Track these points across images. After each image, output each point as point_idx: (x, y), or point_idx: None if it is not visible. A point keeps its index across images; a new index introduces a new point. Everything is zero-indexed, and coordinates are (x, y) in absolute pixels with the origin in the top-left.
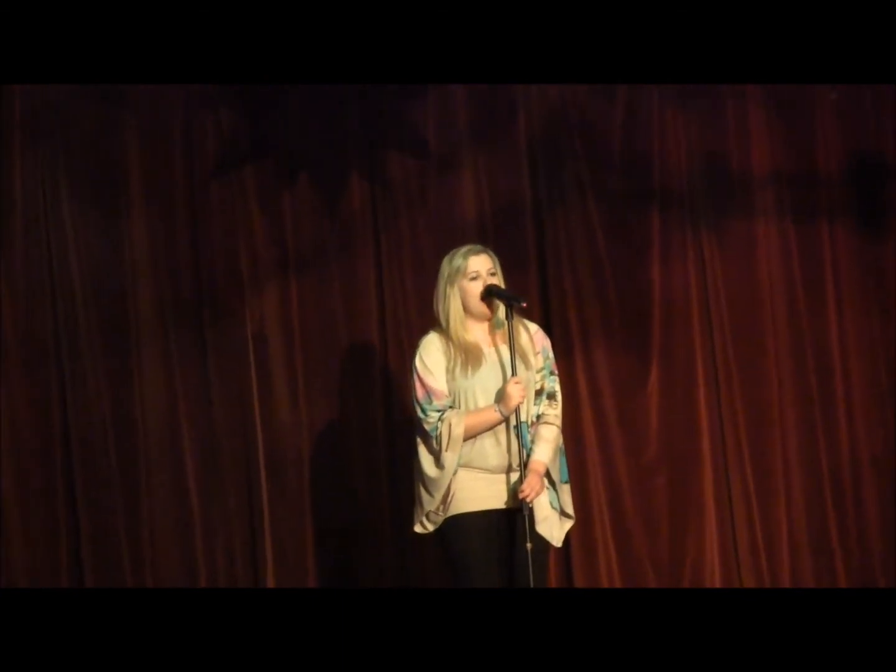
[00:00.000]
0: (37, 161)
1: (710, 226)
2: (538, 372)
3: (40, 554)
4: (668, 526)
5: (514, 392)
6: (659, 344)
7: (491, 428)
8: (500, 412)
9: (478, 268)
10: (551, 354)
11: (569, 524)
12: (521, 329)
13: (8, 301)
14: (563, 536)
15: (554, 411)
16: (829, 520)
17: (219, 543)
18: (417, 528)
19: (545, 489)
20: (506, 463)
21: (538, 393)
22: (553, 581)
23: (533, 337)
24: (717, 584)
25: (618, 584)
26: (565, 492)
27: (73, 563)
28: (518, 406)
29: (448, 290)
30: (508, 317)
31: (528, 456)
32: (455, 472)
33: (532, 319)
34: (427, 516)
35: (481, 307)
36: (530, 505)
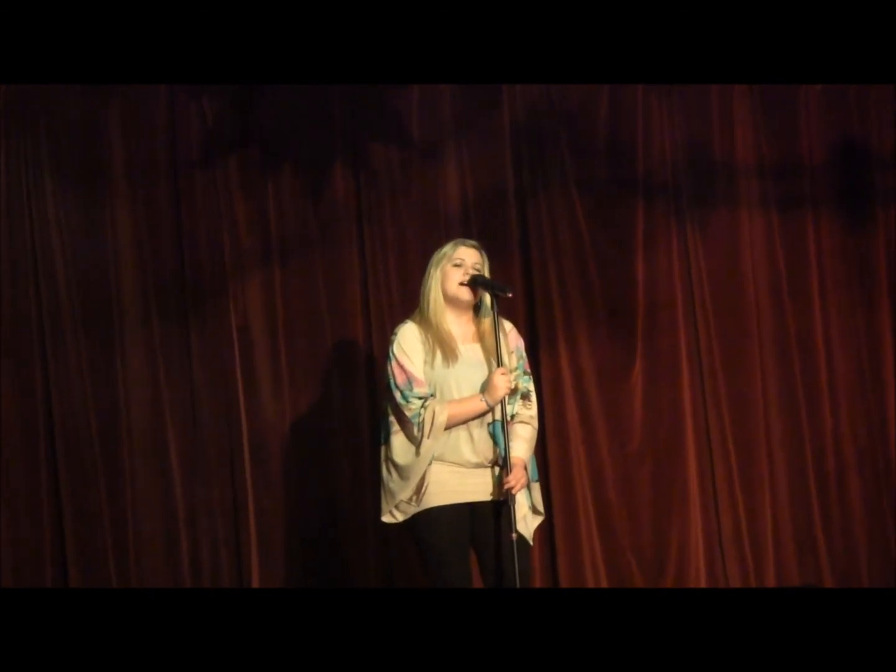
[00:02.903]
0: (20, 147)
1: (695, 216)
2: (512, 371)
3: (23, 538)
4: (652, 515)
5: (501, 382)
6: (643, 334)
7: (474, 418)
8: (486, 402)
9: (464, 257)
10: (525, 354)
11: (538, 520)
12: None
13: None
14: (532, 532)
15: (529, 412)
16: (812, 508)
17: (202, 531)
18: (386, 518)
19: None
20: (478, 458)
21: (512, 392)
22: (537, 571)
23: (507, 336)
24: (702, 574)
25: (602, 574)
26: (536, 489)
27: (57, 549)
28: (504, 397)
29: (432, 271)
30: (493, 307)
31: (506, 452)
32: (429, 463)
33: (515, 309)
34: (398, 506)
35: (459, 294)
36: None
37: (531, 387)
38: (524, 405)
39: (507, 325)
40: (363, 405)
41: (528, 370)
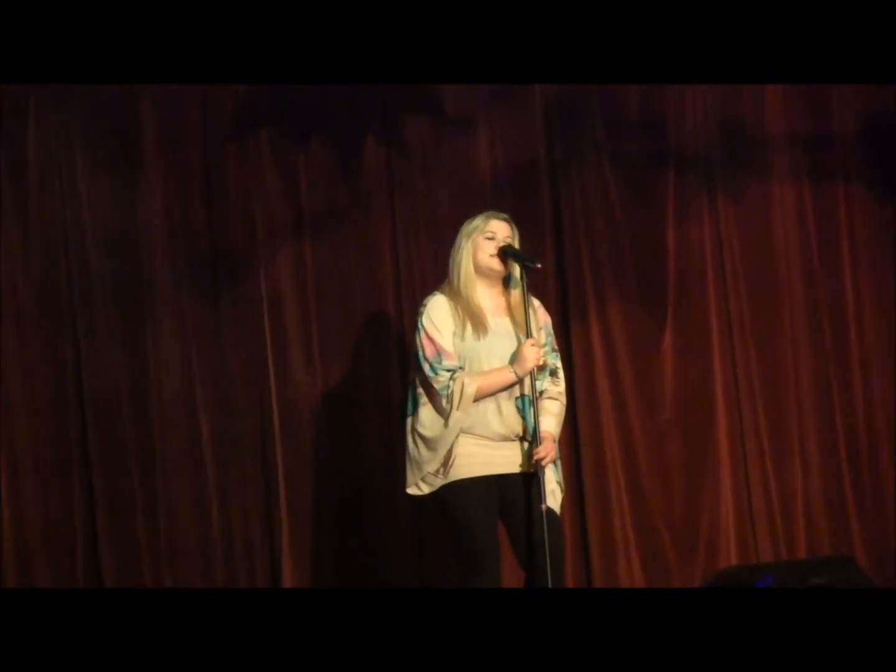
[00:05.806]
0: (52, 123)
1: (726, 187)
2: (541, 348)
3: (54, 515)
4: (683, 485)
5: (530, 354)
6: (674, 305)
7: (503, 389)
8: (515, 373)
9: (496, 230)
10: (553, 331)
11: (561, 496)
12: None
13: (23, 264)
14: (560, 506)
15: (557, 388)
16: (844, 478)
17: (234, 507)
18: (412, 490)
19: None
20: (506, 432)
21: (540, 369)
22: (568, 541)
23: (536, 311)
24: (732, 544)
25: (633, 547)
26: (559, 466)
27: (88, 529)
28: (533, 369)
29: (463, 243)
30: (523, 279)
31: (534, 427)
32: (457, 435)
33: (547, 280)
34: (424, 478)
35: (491, 265)
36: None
37: (559, 363)
38: (553, 382)
39: (536, 302)
40: (394, 378)
41: (557, 347)
